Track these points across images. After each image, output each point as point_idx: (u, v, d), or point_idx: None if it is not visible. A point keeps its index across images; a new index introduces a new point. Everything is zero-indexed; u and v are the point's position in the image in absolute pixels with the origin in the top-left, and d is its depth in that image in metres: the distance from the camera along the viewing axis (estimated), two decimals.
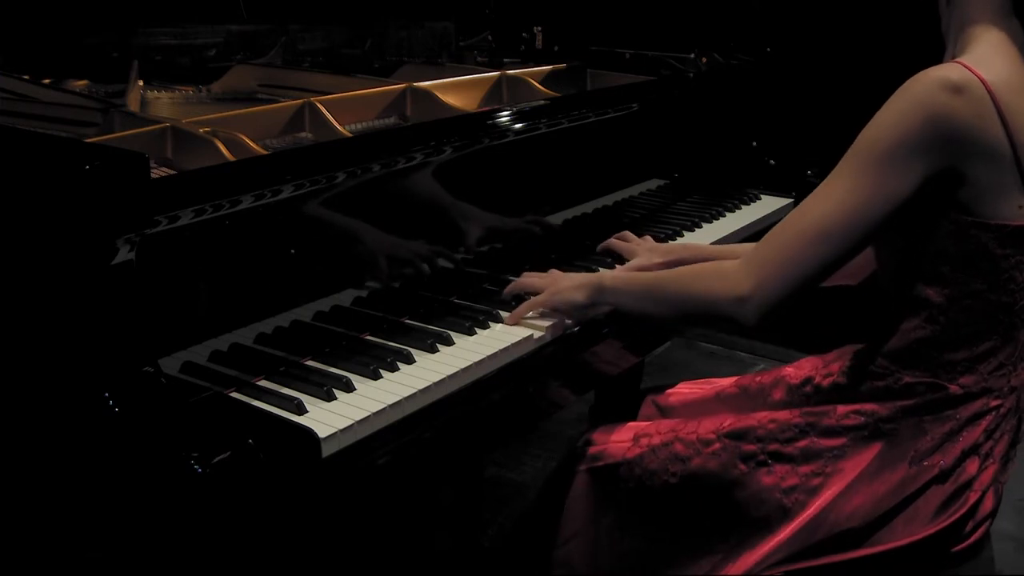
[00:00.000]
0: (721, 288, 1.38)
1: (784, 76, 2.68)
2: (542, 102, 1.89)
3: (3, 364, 1.22)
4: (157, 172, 1.41)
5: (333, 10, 2.43)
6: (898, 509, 1.37)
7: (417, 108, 1.91)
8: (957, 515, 1.36)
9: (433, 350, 1.40)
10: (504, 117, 1.72)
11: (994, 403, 1.38)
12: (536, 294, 1.55)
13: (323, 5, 2.43)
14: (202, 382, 1.26)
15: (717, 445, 1.48)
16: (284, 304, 1.40)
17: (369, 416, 1.22)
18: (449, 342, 1.43)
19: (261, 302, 1.38)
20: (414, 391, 1.28)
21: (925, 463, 1.37)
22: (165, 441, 1.10)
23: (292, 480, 1.14)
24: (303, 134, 1.73)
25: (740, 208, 2.17)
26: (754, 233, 2.04)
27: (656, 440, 1.53)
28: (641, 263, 1.71)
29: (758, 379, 1.62)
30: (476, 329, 1.47)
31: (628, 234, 1.83)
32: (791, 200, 2.23)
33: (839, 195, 1.32)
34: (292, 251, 1.41)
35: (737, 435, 1.47)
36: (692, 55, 2.37)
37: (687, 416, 1.63)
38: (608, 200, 2.04)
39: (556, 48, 2.47)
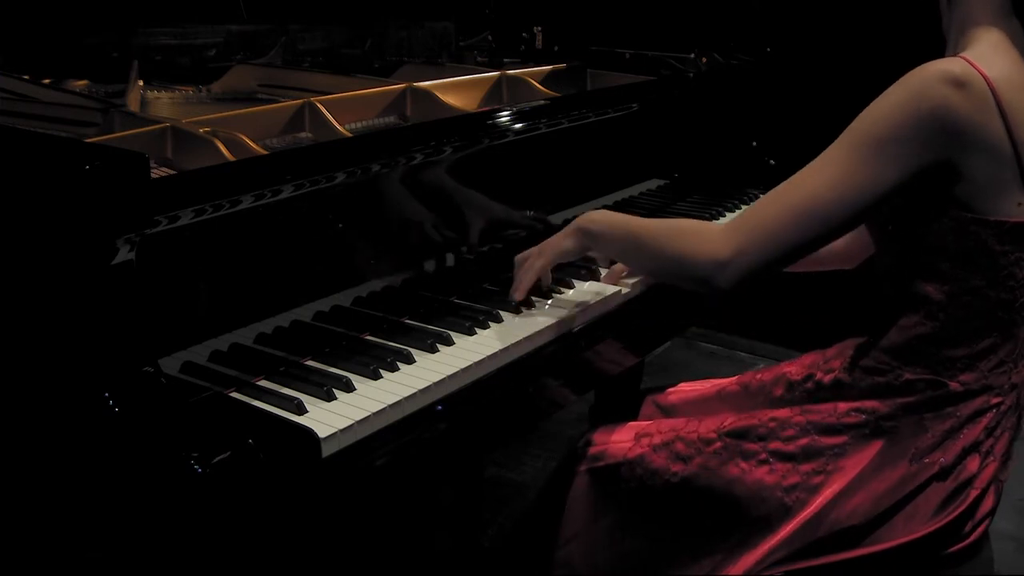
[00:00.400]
0: (701, 249, 1.37)
1: (784, 76, 2.68)
2: (542, 102, 1.89)
3: (3, 364, 1.22)
4: (157, 172, 1.41)
5: (333, 10, 2.43)
6: (899, 506, 1.37)
7: (417, 108, 1.91)
8: (957, 512, 1.36)
9: (433, 350, 1.40)
10: (504, 117, 1.72)
11: (995, 400, 1.38)
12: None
13: (323, 5, 2.43)
14: (202, 382, 1.26)
15: (718, 444, 1.48)
16: (284, 304, 1.40)
17: (369, 416, 1.22)
18: (449, 342, 1.43)
19: (261, 302, 1.37)
20: (414, 391, 1.28)
21: (926, 460, 1.37)
22: (165, 441, 1.10)
23: (292, 480, 1.14)
24: (303, 134, 1.73)
25: (740, 208, 2.17)
26: None
27: (657, 439, 1.54)
28: None
29: (759, 376, 1.62)
30: (476, 329, 1.47)
31: None
32: None
33: (832, 176, 1.31)
34: (292, 251, 1.41)
35: (738, 434, 1.48)
36: (692, 55, 2.37)
37: (688, 414, 1.63)
38: (608, 200, 2.04)
39: (556, 48, 2.47)
